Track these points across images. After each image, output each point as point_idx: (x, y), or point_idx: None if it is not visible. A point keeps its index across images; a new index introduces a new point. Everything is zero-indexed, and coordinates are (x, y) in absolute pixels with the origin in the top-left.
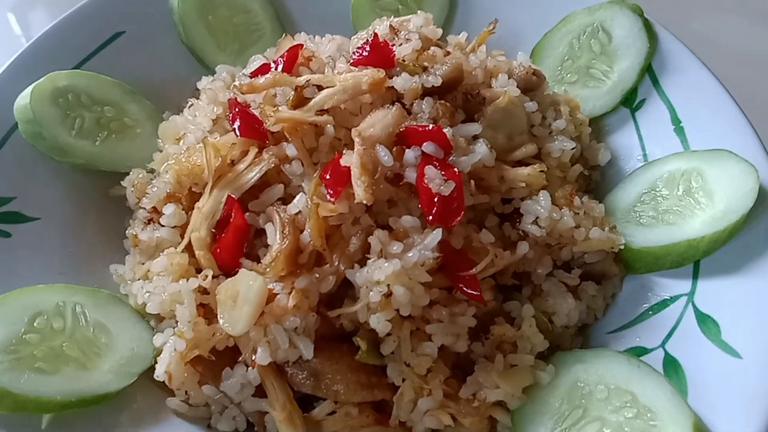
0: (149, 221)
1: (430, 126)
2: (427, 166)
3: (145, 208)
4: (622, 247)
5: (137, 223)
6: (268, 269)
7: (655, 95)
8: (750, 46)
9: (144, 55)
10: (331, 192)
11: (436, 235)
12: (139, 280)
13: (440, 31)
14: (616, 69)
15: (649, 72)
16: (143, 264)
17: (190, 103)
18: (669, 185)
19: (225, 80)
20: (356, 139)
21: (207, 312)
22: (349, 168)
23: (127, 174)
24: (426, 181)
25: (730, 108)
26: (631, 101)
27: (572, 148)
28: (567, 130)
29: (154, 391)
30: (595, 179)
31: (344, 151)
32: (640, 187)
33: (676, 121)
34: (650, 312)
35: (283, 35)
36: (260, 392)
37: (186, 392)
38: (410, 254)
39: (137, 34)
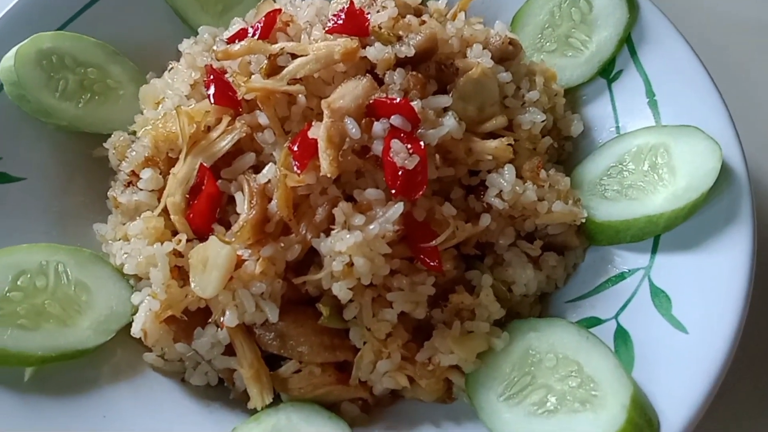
0: (129, 184)
1: (398, 99)
2: (393, 140)
3: (124, 172)
4: (584, 220)
5: (118, 186)
6: (234, 238)
7: (632, 67)
8: (742, 13)
9: (128, 16)
10: (298, 164)
11: (397, 208)
12: (119, 240)
13: None
14: (594, 39)
15: (627, 43)
16: (124, 224)
17: (170, 66)
18: (636, 160)
19: (207, 42)
20: (325, 111)
21: (181, 274)
22: (316, 140)
23: (109, 135)
24: (391, 154)
25: (704, 83)
26: (608, 72)
27: (542, 121)
28: (540, 101)
29: (132, 345)
30: (567, 149)
31: (313, 123)
32: (608, 160)
33: (650, 93)
34: (608, 284)
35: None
36: (230, 350)
37: (161, 348)
38: (371, 227)
39: None
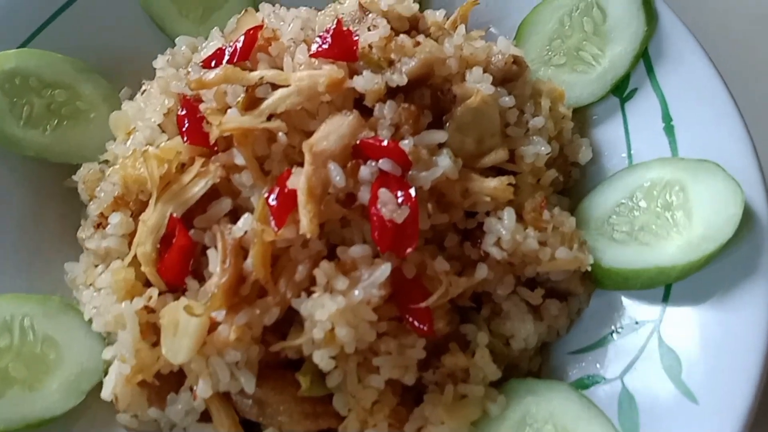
0: (99, 225)
1: (385, 142)
2: (380, 189)
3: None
4: (590, 268)
5: (87, 225)
6: (203, 310)
7: (648, 86)
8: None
9: (100, 26)
10: (275, 220)
11: (384, 269)
12: (90, 286)
13: (416, 7)
14: (608, 53)
15: (644, 58)
16: (97, 266)
17: (143, 87)
18: (648, 197)
19: (185, 55)
20: (306, 156)
21: (156, 330)
22: (296, 191)
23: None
24: (379, 205)
25: (727, 110)
26: (621, 90)
27: (547, 153)
28: (545, 128)
29: (105, 405)
30: (574, 176)
31: (293, 170)
32: (618, 194)
33: (667, 118)
34: (614, 336)
35: (244, 11)
36: (207, 416)
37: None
38: (356, 292)
39: (91, 2)
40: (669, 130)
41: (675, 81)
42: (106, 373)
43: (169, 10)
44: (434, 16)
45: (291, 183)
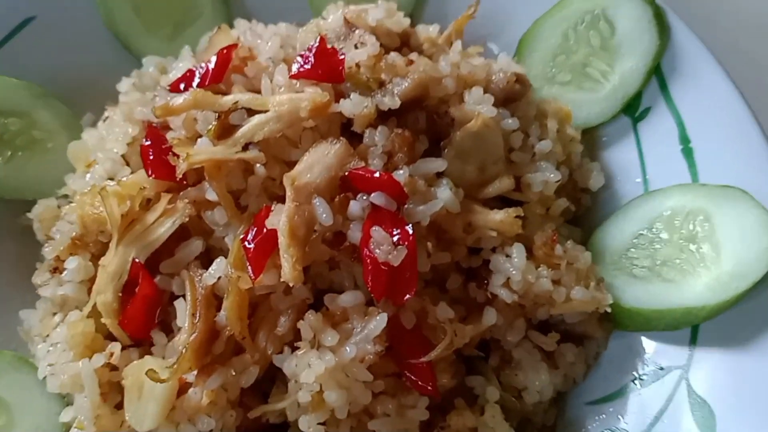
0: (55, 270)
1: (377, 173)
2: (373, 228)
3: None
4: (609, 309)
5: (43, 269)
6: (170, 375)
7: (662, 104)
8: None
9: (60, 46)
10: (252, 267)
11: (380, 321)
12: (47, 338)
13: (407, 21)
14: (617, 69)
15: (657, 74)
16: (55, 314)
17: (106, 114)
18: (669, 227)
19: (153, 76)
20: (288, 191)
21: (118, 390)
22: (275, 232)
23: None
24: (372, 246)
25: (750, 130)
26: (633, 109)
27: (557, 181)
28: (553, 152)
29: None
30: (585, 203)
31: (273, 206)
32: (636, 225)
33: (684, 140)
34: (637, 384)
35: (217, 28)
36: None
37: None
38: (347, 348)
39: (51, 20)
40: (687, 152)
41: (692, 99)
42: None
43: (135, 27)
44: (427, 31)
45: (270, 222)
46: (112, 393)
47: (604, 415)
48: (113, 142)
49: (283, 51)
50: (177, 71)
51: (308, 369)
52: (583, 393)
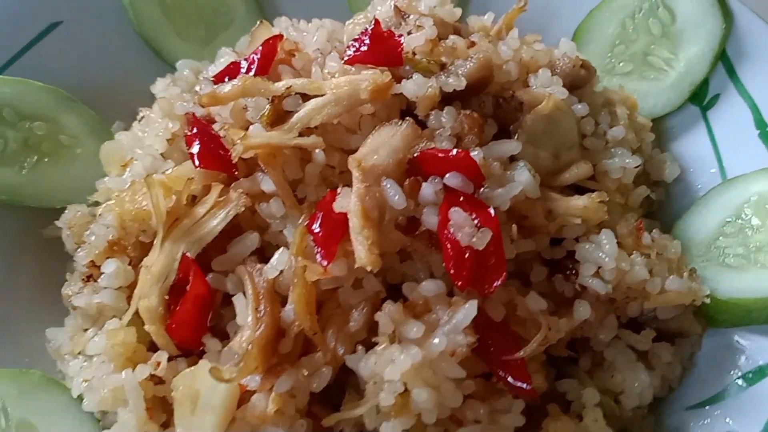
0: (88, 278)
1: (454, 151)
2: (452, 209)
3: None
4: (708, 300)
5: (74, 279)
6: (235, 374)
7: (733, 90)
8: None
9: (87, 51)
10: (323, 252)
11: (470, 309)
12: (79, 355)
13: (459, 12)
14: (681, 56)
15: (723, 60)
16: (86, 331)
17: (141, 114)
18: (760, 212)
19: (188, 80)
20: (355, 173)
21: (164, 406)
22: (344, 215)
23: (64, 209)
24: (452, 229)
25: None
26: (701, 97)
27: (637, 166)
28: (627, 139)
29: None
30: (658, 198)
31: (339, 189)
32: (721, 213)
33: (761, 124)
34: (741, 383)
35: (259, 22)
36: None
37: None
38: (435, 340)
39: (78, 25)
40: (765, 136)
41: (764, 82)
42: None
43: (166, 31)
44: (480, 21)
45: (338, 206)
46: (157, 411)
47: (708, 420)
48: (152, 138)
49: (330, 45)
50: (219, 65)
51: (392, 365)
52: (680, 398)
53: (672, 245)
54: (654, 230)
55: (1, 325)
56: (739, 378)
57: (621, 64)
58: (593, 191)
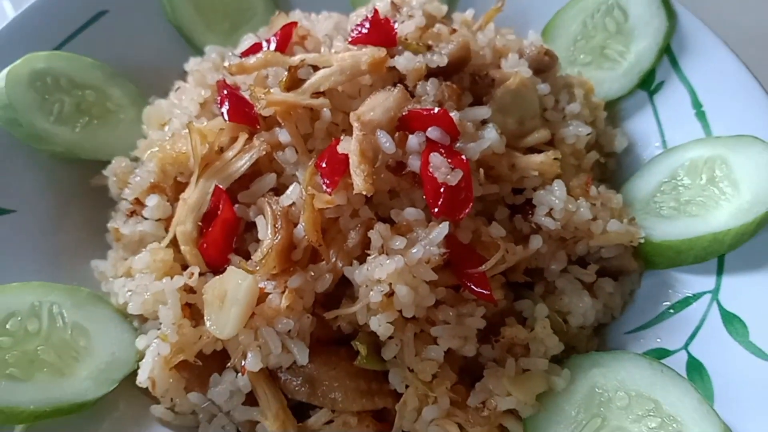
0: (132, 213)
1: (435, 109)
2: (432, 154)
3: (127, 200)
4: (642, 240)
5: (119, 216)
6: (258, 267)
7: (675, 77)
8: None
9: (128, 36)
10: (328, 182)
11: (442, 228)
12: (121, 277)
13: (445, 8)
14: (632, 49)
15: (667, 53)
16: (126, 260)
17: (176, 86)
18: (691, 173)
19: (214, 61)
20: (355, 124)
21: (193, 312)
22: (346, 156)
23: (109, 163)
24: (431, 169)
25: (754, 91)
26: (648, 84)
27: (588, 134)
28: (582, 114)
29: (137, 397)
30: (610, 167)
31: (342, 138)
32: (659, 175)
33: (697, 105)
34: (671, 311)
35: (277, 13)
36: (251, 400)
37: (171, 399)
38: (414, 250)
39: (121, 13)
40: (700, 115)
41: (700, 69)
42: (138, 364)
43: (196, 23)
44: (463, 15)
45: (341, 147)
46: (189, 318)
47: (642, 340)
48: (188, 102)
49: (336, 31)
50: (243, 46)
51: (380, 268)
52: (621, 325)
53: (615, 198)
54: (601, 186)
55: (54, 258)
56: (669, 308)
57: (582, 56)
58: None
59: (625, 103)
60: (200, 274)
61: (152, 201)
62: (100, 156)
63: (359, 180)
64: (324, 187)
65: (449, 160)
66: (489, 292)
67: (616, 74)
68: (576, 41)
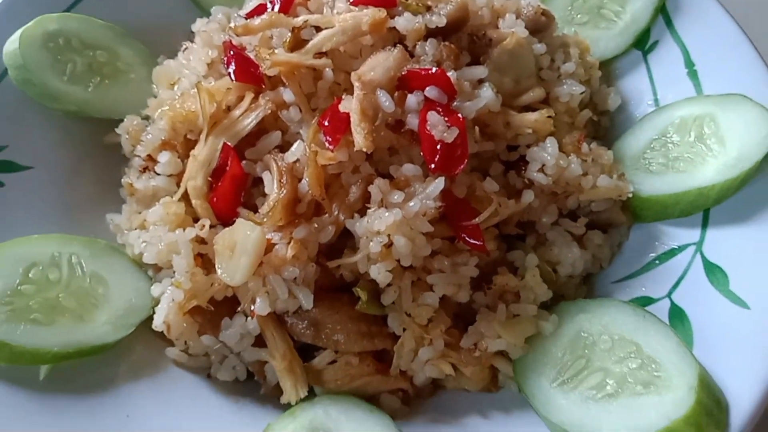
0: (145, 169)
1: (433, 69)
2: (429, 112)
3: (140, 156)
4: (631, 195)
5: (133, 172)
6: (265, 219)
7: (669, 37)
8: None
9: None
10: (330, 139)
11: (438, 183)
12: (135, 229)
13: None
14: (628, 9)
15: (662, 12)
16: (140, 213)
17: (184, 46)
18: (680, 131)
19: (221, 22)
20: (356, 84)
21: (205, 262)
22: (348, 114)
23: (121, 121)
24: (428, 127)
25: (746, 51)
26: (643, 43)
27: (581, 93)
28: (576, 73)
29: (153, 340)
30: (604, 125)
31: (343, 97)
32: (650, 133)
33: (689, 64)
34: (657, 261)
35: None
36: (260, 342)
37: (185, 342)
38: (411, 203)
39: None
40: (692, 74)
41: (694, 29)
42: (154, 310)
43: None
44: None
45: (343, 106)
46: (201, 267)
47: (628, 289)
48: (195, 62)
49: None
50: (248, 7)
51: (379, 220)
52: (609, 275)
53: (606, 154)
54: (592, 143)
55: (70, 212)
56: (655, 259)
57: (579, 16)
58: None
59: (620, 62)
60: (211, 226)
61: (164, 157)
62: (112, 114)
63: (360, 137)
64: (326, 144)
65: (446, 119)
66: (482, 243)
67: (612, 33)
68: (573, 1)
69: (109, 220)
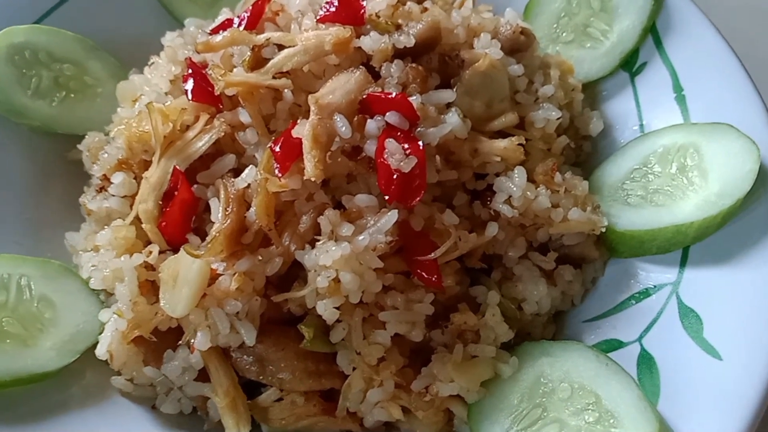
0: (101, 189)
1: (394, 93)
2: (387, 139)
3: (95, 176)
4: (604, 229)
5: (90, 191)
6: (204, 251)
7: (658, 59)
8: None
9: (111, 9)
10: (279, 167)
11: (390, 216)
12: (89, 251)
13: None
14: (615, 28)
15: (652, 32)
16: (97, 233)
17: (151, 60)
18: (662, 161)
19: (192, 35)
20: (312, 107)
21: (154, 289)
22: (300, 140)
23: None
24: (385, 155)
25: (737, 76)
26: (631, 64)
27: (558, 118)
28: (555, 96)
29: (102, 367)
30: (586, 150)
31: (299, 120)
32: (631, 161)
33: (677, 88)
34: (632, 301)
35: None
36: (205, 375)
37: (130, 372)
38: (361, 237)
39: None
40: (680, 99)
41: (684, 52)
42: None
43: None
44: None
45: (296, 131)
46: (148, 293)
47: (599, 329)
48: (158, 79)
49: (311, 7)
50: (217, 21)
51: (326, 254)
52: (580, 313)
53: (581, 184)
54: (567, 172)
55: (32, 230)
56: (630, 298)
57: (564, 34)
58: None
59: (606, 84)
60: (160, 252)
61: (118, 178)
62: (77, 130)
63: (310, 166)
64: (277, 171)
65: (405, 146)
66: (438, 279)
67: (597, 53)
68: (559, 18)
69: (67, 239)
